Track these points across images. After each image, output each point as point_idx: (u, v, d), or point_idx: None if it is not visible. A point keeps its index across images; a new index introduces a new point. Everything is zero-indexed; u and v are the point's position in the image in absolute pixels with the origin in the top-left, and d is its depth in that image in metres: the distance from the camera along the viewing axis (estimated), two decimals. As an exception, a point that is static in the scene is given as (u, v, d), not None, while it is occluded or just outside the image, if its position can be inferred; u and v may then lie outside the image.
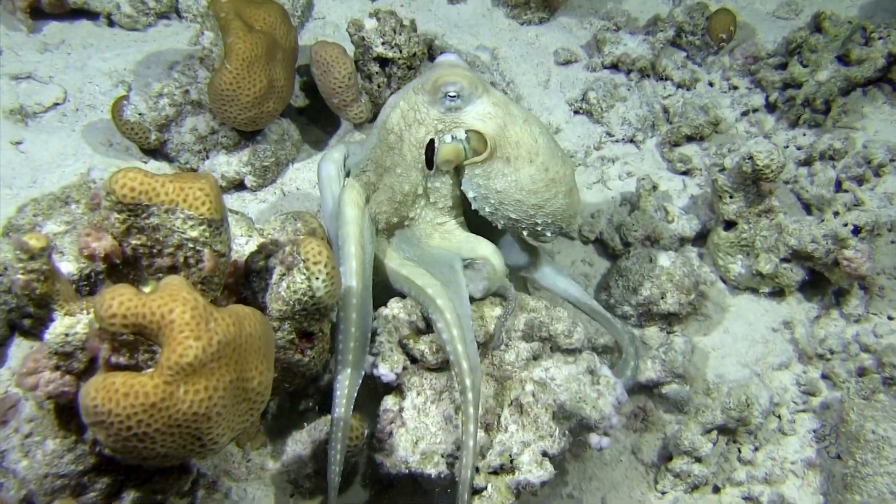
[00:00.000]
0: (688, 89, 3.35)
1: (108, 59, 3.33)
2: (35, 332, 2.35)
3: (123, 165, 3.05)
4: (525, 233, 2.33)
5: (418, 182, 2.26)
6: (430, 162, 2.23)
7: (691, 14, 3.40)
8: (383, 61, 2.96)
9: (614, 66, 3.42)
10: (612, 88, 3.27)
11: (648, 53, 3.35)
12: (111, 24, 3.43)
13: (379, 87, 3.00)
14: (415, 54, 2.94)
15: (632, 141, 3.25)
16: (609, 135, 3.26)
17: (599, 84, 3.29)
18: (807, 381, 2.57)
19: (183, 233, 1.92)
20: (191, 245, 1.94)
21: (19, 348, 2.38)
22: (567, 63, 3.46)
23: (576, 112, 3.34)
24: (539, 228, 2.30)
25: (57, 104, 3.19)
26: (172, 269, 1.98)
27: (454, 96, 2.17)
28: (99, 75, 3.28)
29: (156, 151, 3.06)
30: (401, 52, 2.92)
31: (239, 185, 3.02)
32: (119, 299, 1.63)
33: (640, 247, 2.78)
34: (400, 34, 2.92)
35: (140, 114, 2.95)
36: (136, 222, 1.91)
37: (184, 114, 2.99)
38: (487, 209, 2.27)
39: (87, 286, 2.17)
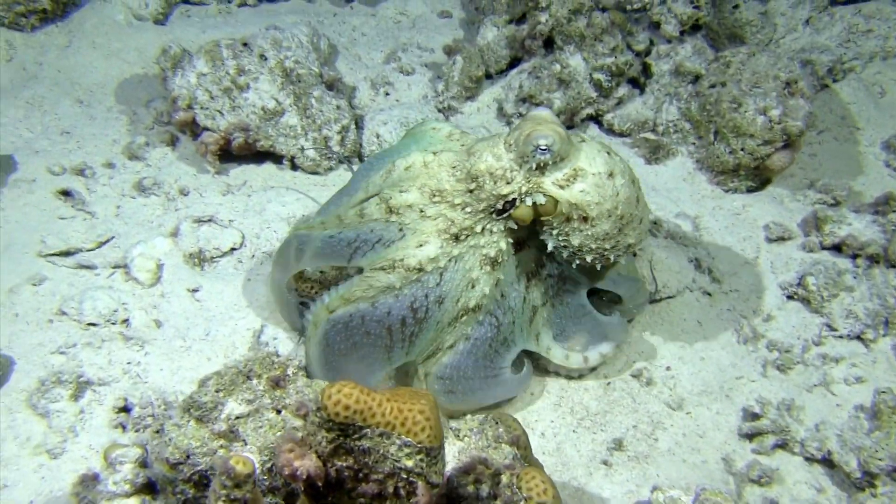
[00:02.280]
0: (926, 281, 2.95)
1: (287, 204, 3.22)
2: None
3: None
4: (598, 266, 2.47)
5: (479, 222, 2.37)
6: (502, 210, 2.36)
7: (933, 195, 3.03)
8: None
9: (836, 248, 3.05)
10: (835, 275, 2.90)
11: (880, 237, 2.97)
12: (294, 167, 3.34)
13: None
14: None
15: (859, 338, 2.84)
16: (831, 328, 2.87)
17: (820, 269, 2.93)
18: None
19: (397, 460, 1.66)
20: (404, 475, 1.67)
21: (190, 541, 2.15)
22: (779, 240, 3.11)
23: (789, 297, 2.97)
24: (611, 260, 2.45)
25: (234, 249, 3.08)
26: (378, 498, 1.72)
27: (545, 150, 2.25)
28: (277, 220, 3.16)
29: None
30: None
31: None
32: (334, 561, 1.37)
33: (890, 481, 2.35)
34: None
35: (322, 272, 2.78)
36: (345, 443, 1.68)
37: (365, 272, 2.81)
38: (565, 255, 2.43)
39: (268, 480, 1.95)
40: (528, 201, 2.32)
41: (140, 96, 3.51)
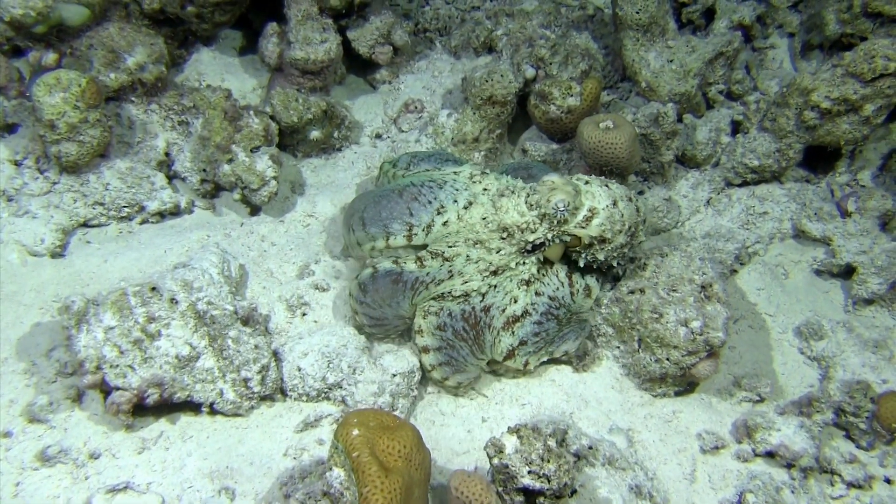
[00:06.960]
0: (860, 487, 2.98)
1: (209, 456, 3.03)
2: None
3: None
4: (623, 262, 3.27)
5: (512, 259, 3.10)
6: (531, 251, 3.11)
7: (852, 395, 3.09)
8: (529, 492, 2.63)
9: (769, 455, 3.07)
10: (773, 492, 2.91)
11: (810, 446, 3.00)
12: (213, 412, 3.16)
13: (523, 516, 2.66)
14: (566, 484, 2.62)
15: (811, 564, 2.85)
16: (779, 552, 2.86)
17: (758, 485, 2.93)
18: None
19: None
20: None
21: None
22: (714, 450, 3.11)
23: (732, 516, 2.97)
24: (631, 256, 3.27)
25: (154, 519, 2.86)
26: None
27: (563, 209, 2.99)
28: (199, 477, 2.97)
29: (267, 587, 2.69)
30: (549, 482, 2.60)
31: None
32: None
33: None
34: (549, 461, 2.61)
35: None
36: None
37: (302, 547, 2.66)
38: (594, 266, 3.21)
39: None
40: (557, 241, 3.07)
41: (40, 344, 3.26)
